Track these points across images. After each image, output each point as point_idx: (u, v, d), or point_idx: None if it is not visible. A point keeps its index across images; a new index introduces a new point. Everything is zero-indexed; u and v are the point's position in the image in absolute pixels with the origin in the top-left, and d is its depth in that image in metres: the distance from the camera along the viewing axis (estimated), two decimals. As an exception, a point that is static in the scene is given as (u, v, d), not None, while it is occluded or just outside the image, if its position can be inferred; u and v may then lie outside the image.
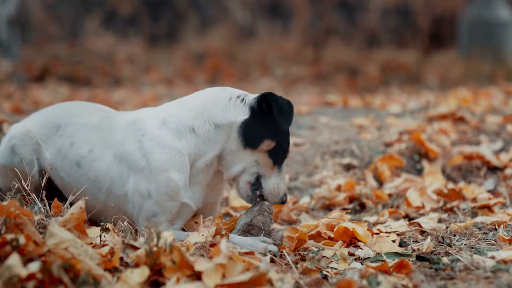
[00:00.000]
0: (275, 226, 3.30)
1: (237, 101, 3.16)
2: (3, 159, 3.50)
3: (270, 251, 2.97)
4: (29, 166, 3.43)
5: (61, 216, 2.99)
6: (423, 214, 3.88)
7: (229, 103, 3.16)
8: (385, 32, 14.40)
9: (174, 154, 3.14)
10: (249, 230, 3.14)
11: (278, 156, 3.15)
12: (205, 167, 3.18)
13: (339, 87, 10.54)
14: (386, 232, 3.40)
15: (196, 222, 3.30)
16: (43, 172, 3.37)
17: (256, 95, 3.19)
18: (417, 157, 4.88)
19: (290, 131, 3.28)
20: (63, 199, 3.47)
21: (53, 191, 3.52)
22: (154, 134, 3.18)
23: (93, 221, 3.32)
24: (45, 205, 3.26)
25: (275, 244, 3.06)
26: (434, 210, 3.96)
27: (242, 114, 3.14)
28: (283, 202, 3.19)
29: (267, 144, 3.12)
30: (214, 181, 3.28)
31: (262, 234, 3.14)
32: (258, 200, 3.19)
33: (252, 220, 3.14)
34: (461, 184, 4.46)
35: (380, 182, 4.55)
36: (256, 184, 3.17)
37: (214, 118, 3.14)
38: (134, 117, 3.32)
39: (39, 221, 2.87)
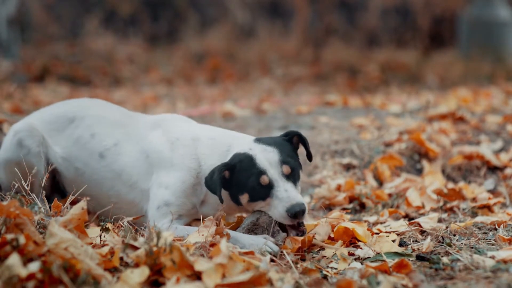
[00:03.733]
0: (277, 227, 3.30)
1: None
2: (8, 154, 3.51)
3: (270, 252, 2.97)
4: (36, 158, 3.46)
5: (61, 216, 3.00)
6: (423, 214, 3.88)
7: None
8: (385, 32, 14.40)
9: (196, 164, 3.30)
10: (254, 229, 3.17)
11: (258, 197, 3.15)
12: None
13: (339, 87, 10.55)
14: (386, 232, 3.40)
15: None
16: (49, 167, 3.42)
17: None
18: (417, 157, 4.89)
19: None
20: (64, 197, 3.49)
21: (57, 189, 3.55)
22: (184, 146, 3.32)
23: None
24: (45, 205, 3.27)
25: (277, 245, 3.07)
26: (434, 210, 3.95)
27: None
28: (296, 213, 3.10)
29: (244, 197, 3.17)
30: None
31: (266, 234, 3.16)
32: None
33: (258, 220, 3.18)
34: (461, 184, 4.46)
35: (380, 182, 4.55)
36: None
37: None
38: (164, 119, 3.48)
39: (39, 221, 2.87)
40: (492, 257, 2.93)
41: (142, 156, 3.35)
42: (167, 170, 3.27)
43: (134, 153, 3.38)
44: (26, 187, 3.24)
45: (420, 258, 3.01)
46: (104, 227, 2.91)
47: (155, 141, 3.35)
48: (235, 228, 3.28)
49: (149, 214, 3.28)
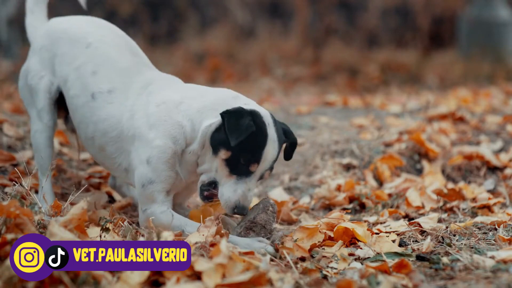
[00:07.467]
0: (276, 225, 3.30)
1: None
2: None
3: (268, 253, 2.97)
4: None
5: (61, 216, 3.00)
6: (423, 214, 3.88)
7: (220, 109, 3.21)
8: (385, 32, 14.40)
9: (179, 131, 3.19)
10: (251, 227, 3.16)
11: (236, 166, 3.10)
12: (190, 154, 3.21)
13: (339, 87, 10.54)
14: (386, 232, 3.40)
15: None
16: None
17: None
18: (417, 157, 4.89)
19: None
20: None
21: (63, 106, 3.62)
22: (167, 112, 3.22)
23: None
24: (45, 205, 3.27)
25: (272, 244, 3.07)
26: (434, 210, 3.96)
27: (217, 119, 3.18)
28: (234, 213, 3.11)
29: (223, 153, 3.11)
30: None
31: (263, 233, 3.15)
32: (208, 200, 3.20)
33: (255, 218, 3.17)
34: (461, 184, 4.46)
35: (380, 182, 4.55)
36: (208, 187, 3.17)
37: (207, 118, 3.19)
38: (154, 81, 3.36)
39: (39, 221, 2.87)
40: (492, 257, 2.94)
41: (127, 114, 3.27)
42: (146, 141, 3.19)
43: (123, 108, 3.30)
44: (26, 187, 3.24)
45: (420, 258, 3.01)
46: (104, 227, 2.91)
47: (141, 107, 3.26)
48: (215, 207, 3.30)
49: (136, 191, 3.26)
